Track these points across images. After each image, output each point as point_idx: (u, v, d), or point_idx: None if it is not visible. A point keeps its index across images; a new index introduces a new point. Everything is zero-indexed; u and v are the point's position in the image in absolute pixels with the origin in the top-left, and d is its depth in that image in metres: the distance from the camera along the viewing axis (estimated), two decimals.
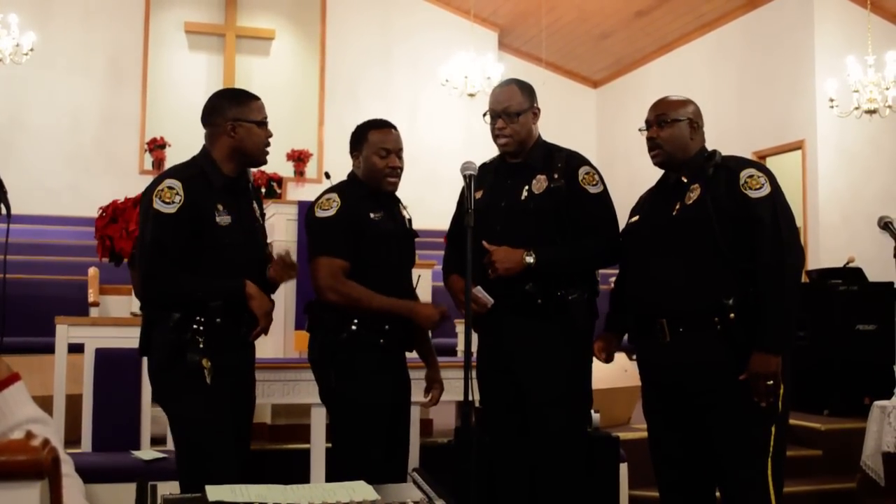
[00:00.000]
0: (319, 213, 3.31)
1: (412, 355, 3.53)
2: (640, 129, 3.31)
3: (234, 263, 3.06)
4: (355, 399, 3.24)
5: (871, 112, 7.99)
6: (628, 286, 3.31)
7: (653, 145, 3.25)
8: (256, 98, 3.22)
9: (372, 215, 3.31)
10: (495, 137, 3.46)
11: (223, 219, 3.04)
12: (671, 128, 3.21)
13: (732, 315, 3.00)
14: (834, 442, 5.70)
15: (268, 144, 3.18)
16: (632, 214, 3.41)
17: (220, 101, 3.16)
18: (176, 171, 3.09)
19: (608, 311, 3.48)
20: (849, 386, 6.23)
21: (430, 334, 3.59)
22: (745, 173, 3.09)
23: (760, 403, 2.97)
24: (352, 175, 3.45)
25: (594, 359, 3.43)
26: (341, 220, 3.27)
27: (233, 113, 3.10)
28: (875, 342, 6.34)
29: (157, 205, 2.96)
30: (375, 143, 3.35)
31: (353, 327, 3.23)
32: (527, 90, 3.48)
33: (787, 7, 9.51)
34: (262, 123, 3.14)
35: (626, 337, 3.45)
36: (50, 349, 4.39)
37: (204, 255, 3.01)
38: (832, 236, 8.88)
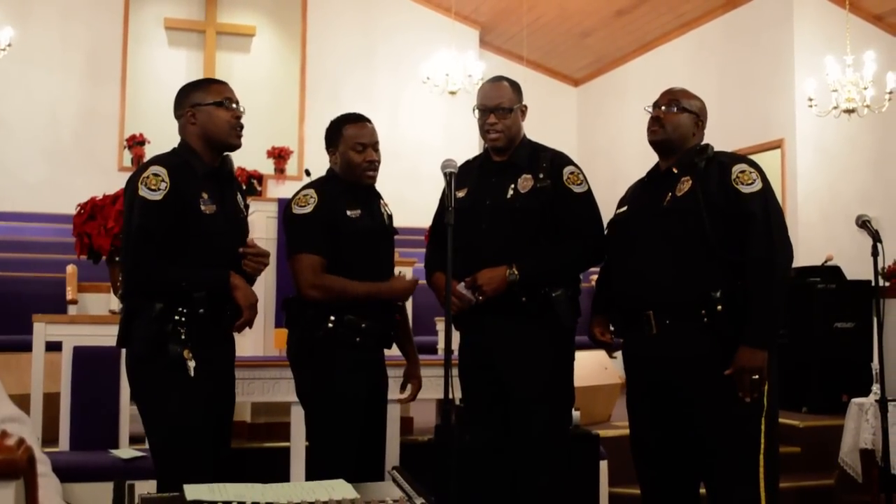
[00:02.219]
0: (297, 210, 3.31)
1: (391, 353, 3.52)
2: (646, 108, 3.31)
3: (219, 252, 3.04)
4: (330, 397, 3.24)
5: (850, 111, 8.03)
6: (615, 279, 3.31)
7: (655, 123, 3.25)
8: (217, 81, 3.20)
9: (349, 213, 3.30)
10: (485, 133, 3.46)
11: (208, 207, 3.01)
12: (679, 115, 3.23)
13: (720, 308, 3.01)
14: (812, 439, 5.74)
15: (236, 125, 3.11)
16: (619, 205, 3.42)
17: (182, 90, 3.15)
18: (161, 159, 3.05)
19: (594, 296, 3.49)
20: (827, 383, 6.27)
21: (411, 331, 3.59)
22: (737, 168, 3.11)
23: (745, 398, 2.98)
24: (330, 171, 3.44)
25: (577, 353, 3.44)
26: (318, 217, 3.27)
27: (190, 99, 3.09)
28: (853, 340, 6.38)
29: (143, 192, 2.92)
30: (351, 137, 3.35)
31: (330, 325, 3.23)
32: (516, 87, 3.50)
33: (766, 7, 9.55)
34: (221, 104, 3.08)
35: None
36: (27, 347, 4.35)
37: (189, 243, 2.97)
38: (811, 234, 8.93)
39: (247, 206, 3.31)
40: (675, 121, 3.23)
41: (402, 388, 3.54)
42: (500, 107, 3.42)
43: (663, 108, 3.25)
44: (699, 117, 3.26)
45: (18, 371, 4.76)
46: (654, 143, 3.28)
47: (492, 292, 3.27)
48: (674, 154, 3.24)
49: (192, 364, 2.90)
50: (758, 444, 3.02)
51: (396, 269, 3.54)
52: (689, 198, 3.10)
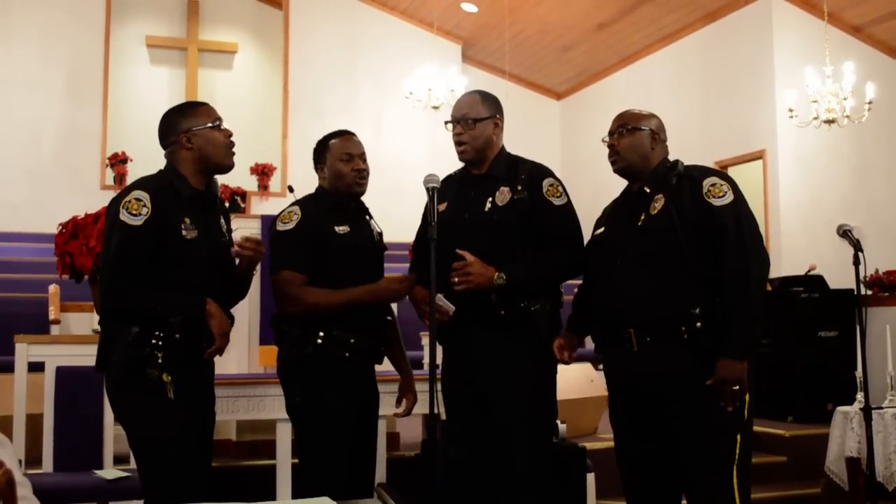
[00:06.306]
0: (280, 227, 3.31)
1: (383, 367, 3.52)
2: (602, 139, 3.33)
3: (198, 278, 3.02)
4: (320, 413, 3.22)
5: (830, 122, 8.10)
6: (595, 297, 3.31)
7: (612, 152, 3.28)
8: (202, 104, 3.20)
9: (337, 228, 3.29)
10: (455, 145, 3.48)
11: (190, 232, 2.99)
12: (631, 136, 3.24)
13: (699, 324, 3.01)
14: (798, 448, 5.76)
15: (230, 145, 3.12)
16: (596, 226, 3.42)
17: (169, 118, 3.13)
18: (144, 183, 3.03)
19: (570, 313, 3.48)
20: (812, 392, 6.31)
21: (402, 344, 3.58)
22: (707, 182, 3.11)
23: (727, 408, 2.99)
24: (319, 189, 3.45)
25: (559, 366, 3.43)
26: (301, 233, 3.27)
27: (183, 125, 3.08)
28: (837, 349, 6.43)
29: (124, 216, 2.91)
30: (338, 149, 3.37)
31: (319, 341, 3.22)
32: (490, 100, 3.50)
33: (746, 19, 9.63)
34: (216, 125, 3.10)
35: (592, 347, 3.46)
36: (9, 368, 4.33)
37: (168, 268, 2.96)
38: (793, 244, 8.98)
39: (230, 231, 3.30)
40: (628, 142, 3.23)
41: (398, 403, 3.54)
42: (465, 117, 3.42)
43: (615, 134, 3.27)
44: (654, 132, 3.26)
45: (0, 392, 4.73)
46: (619, 172, 3.32)
47: (475, 286, 3.26)
48: (640, 175, 3.24)
49: (170, 386, 2.90)
50: (733, 455, 3.03)
51: None
52: (663, 216, 3.11)
